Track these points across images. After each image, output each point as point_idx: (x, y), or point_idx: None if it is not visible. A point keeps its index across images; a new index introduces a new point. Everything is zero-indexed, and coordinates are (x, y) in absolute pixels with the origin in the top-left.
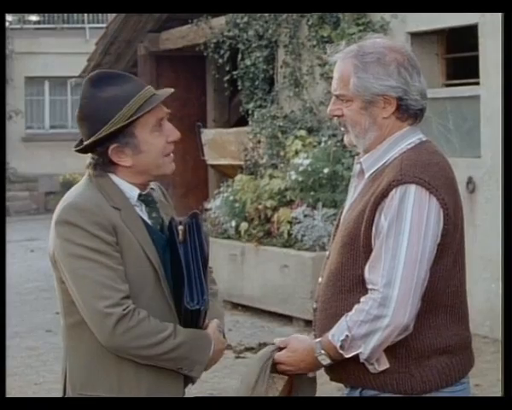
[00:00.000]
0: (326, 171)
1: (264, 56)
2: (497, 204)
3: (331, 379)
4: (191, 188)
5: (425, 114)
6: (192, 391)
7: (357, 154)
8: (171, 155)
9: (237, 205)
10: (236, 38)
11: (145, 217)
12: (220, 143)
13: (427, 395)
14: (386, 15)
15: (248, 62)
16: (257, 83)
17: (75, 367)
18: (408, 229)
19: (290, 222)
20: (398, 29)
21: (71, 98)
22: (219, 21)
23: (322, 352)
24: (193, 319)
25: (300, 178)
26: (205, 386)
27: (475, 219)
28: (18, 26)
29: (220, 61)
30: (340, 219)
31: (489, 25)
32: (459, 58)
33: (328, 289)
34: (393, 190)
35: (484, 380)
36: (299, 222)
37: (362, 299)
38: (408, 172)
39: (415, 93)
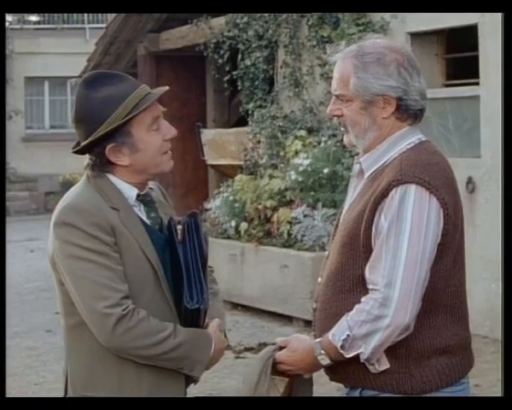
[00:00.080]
0: (326, 171)
1: (264, 56)
2: (496, 204)
3: (331, 379)
4: (191, 188)
5: (425, 114)
6: (192, 391)
7: (357, 154)
8: (169, 152)
9: (237, 205)
10: (236, 38)
11: (144, 217)
12: (220, 144)
13: (427, 396)
14: (386, 15)
15: (248, 62)
16: (257, 83)
17: (76, 368)
18: (408, 229)
19: (290, 222)
20: (397, 29)
21: (71, 98)
22: (219, 21)
23: (322, 352)
24: (193, 318)
25: (300, 179)
26: (205, 386)
27: (475, 219)
28: (18, 26)
29: (220, 61)
30: (339, 219)
31: (489, 25)
32: (459, 58)
33: (328, 289)
34: (393, 190)
35: (484, 380)
36: (298, 222)
37: (363, 299)
38: (408, 171)
39: (414, 93)
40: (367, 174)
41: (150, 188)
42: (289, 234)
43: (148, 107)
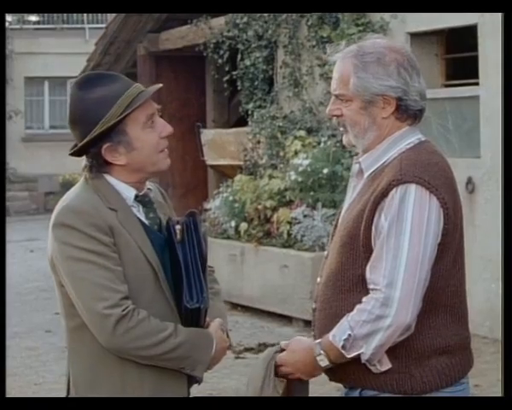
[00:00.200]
0: (325, 171)
1: (264, 57)
2: (496, 204)
3: (330, 379)
4: (191, 188)
5: (424, 115)
6: (192, 391)
7: (357, 154)
8: (166, 150)
9: (237, 205)
10: (236, 38)
11: (142, 217)
12: (220, 144)
13: (427, 396)
14: (386, 16)
15: (248, 63)
16: (256, 83)
17: (78, 370)
18: (409, 229)
19: (290, 222)
20: (397, 29)
21: None
22: (219, 22)
23: (322, 353)
24: (193, 317)
25: (300, 179)
26: (205, 386)
27: (475, 220)
28: (17, 27)
29: (220, 61)
30: (338, 218)
31: (488, 25)
32: (459, 58)
33: (328, 289)
34: (393, 190)
35: (483, 380)
36: (298, 222)
37: (363, 299)
38: (408, 171)
39: (414, 94)
40: (366, 174)
41: (149, 188)
42: (289, 234)
43: (141, 104)
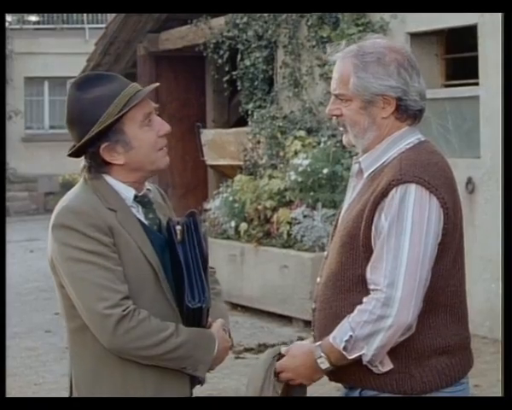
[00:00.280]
0: (325, 171)
1: (264, 57)
2: (496, 204)
3: (330, 379)
4: (191, 188)
5: (424, 115)
6: (193, 392)
7: (357, 154)
8: (165, 149)
9: (237, 205)
10: (236, 38)
11: (142, 218)
12: (220, 144)
13: (427, 396)
14: (386, 16)
15: (248, 63)
16: (256, 83)
17: (80, 371)
18: (409, 229)
19: (290, 222)
20: (397, 29)
21: None
22: (219, 22)
23: (323, 355)
24: (195, 317)
25: (300, 179)
26: (204, 386)
27: (475, 220)
28: (17, 27)
29: (220, 61)
30: (338, 219)
31: (488, 25)
32: (458, 58)
33: (328, 289)
34: (393, 190)
35: (483, 381)
36: (298, 223)
37: (364, 299)
38: (408, 171)
39: (414, 94)
40: (366, 174)
41: (148, 189)
42: (289, 234)
43: (138, 103)
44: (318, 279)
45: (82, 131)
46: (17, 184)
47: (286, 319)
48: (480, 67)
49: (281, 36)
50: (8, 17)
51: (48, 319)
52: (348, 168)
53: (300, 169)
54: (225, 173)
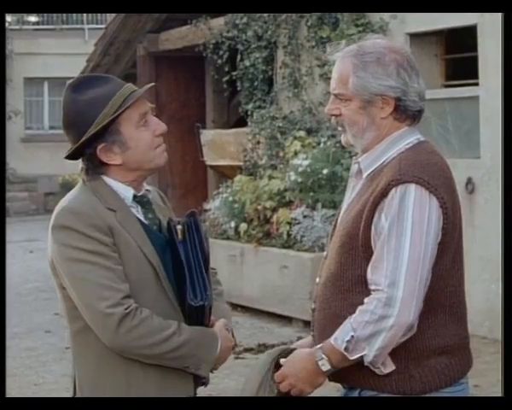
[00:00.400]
0: (325, 172)
1: (264, 57)
2: (496, 205)
3: (330, 379)
4: (190, 189)
5: (424, 115)
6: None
7: (356, 154)
8: (163, 145)
9: (236, 206)
10: (235, 38)
11: (141, 217)
12: (219, 144)
13: (427, 396)
14: (386, 16)
15: (247, 63)
16: (256, 84)
17: (83, 372)
18: (410, 229)
19: (289, 223)
20: (397, 30)
21: None
22: (218, 22)
23: (324, 357)
24: (198, 315)
25: (300, 179)
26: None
27: (474, 220)
28: (17, 27)
29: (219, 61)
30: (337, 219)
31: (488, 25)
32: (458, 59)
33: (327, 289)
34: (393, 190)
35: (483, 381)
36: (298, 223)
37: (365, 300)
38: (407, 171)
39: (413, 94)
40: (365, 174)
41: (147, 190)
42: (289, 235)
43: (134, 103)
44: (318, 279)
45: (78, 133)
46: (17, 184)
47: (286, 320)
48: (480, 67)
49: (280, 36)
50: (8, 17)
51: (48, 320)
52: (348, 169)
53: (300, 169)
54: (225, 174)
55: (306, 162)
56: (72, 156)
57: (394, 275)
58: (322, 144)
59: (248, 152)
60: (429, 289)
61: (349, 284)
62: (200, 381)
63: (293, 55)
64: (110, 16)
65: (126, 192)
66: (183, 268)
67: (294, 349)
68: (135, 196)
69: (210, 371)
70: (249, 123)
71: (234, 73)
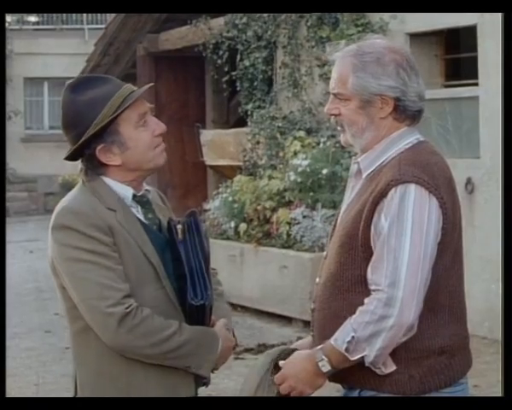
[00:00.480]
0: (325, 172)
1: (263, 57)
2: (496, 205)
3: (329, 380)
4: (190, 189)
5: (424, 115)
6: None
7: (356, 154)
8: (162, 145)
9: (236, 206)
10: (235, 38)
11: (141, 217)
12: (219, 144)
13: (427, 396)
14: (386, 16)
15: (247, 63)
16: (256, 84)
17: (84, 372)
18: (410, 229)
19: (289, 223)
20: (397, 30)
21: None
22: (218, 22)
23: (324, 358)
24: (198, 315)
25: (299, 179)
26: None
27: (474, 220)
28: (17, 27)
29: (219, 61)
30: (337, 219)
31: (488, 25)
32: (458, 59)
33: (327, 289)
34: (393, 190)
35: (483, 381)
36: (298, 223)
37: (365, 300)
38: (407, 171)
39: (412, 94)
40: (365, 174)
41: (147, 190)
42: (288, 235)
43: (133, 104)
44: (317, 279)
45: (77, 134)
46: (17, 184)
47: (285, 320)
48: (480, 67)
49: (280, 36)
50: (8, 17)
51: (48, 320)
52: (348, 168)
53: (300, 169)
54: (225, 174)
55: (306, 162)
56: (72, 157)
57: (394, 275)
58: (321, 144)
59: (248, 152)
60: (429, 289)
61: (349, 284)
62: (202, 381)
63: (293, 55)
64: (110, 16)
65: (126, 192)
66: (183, 267)
67: (294, 350)
68: (134, 196)
69: (211, 371)
70: (249, 123)
71: (233, 73)
